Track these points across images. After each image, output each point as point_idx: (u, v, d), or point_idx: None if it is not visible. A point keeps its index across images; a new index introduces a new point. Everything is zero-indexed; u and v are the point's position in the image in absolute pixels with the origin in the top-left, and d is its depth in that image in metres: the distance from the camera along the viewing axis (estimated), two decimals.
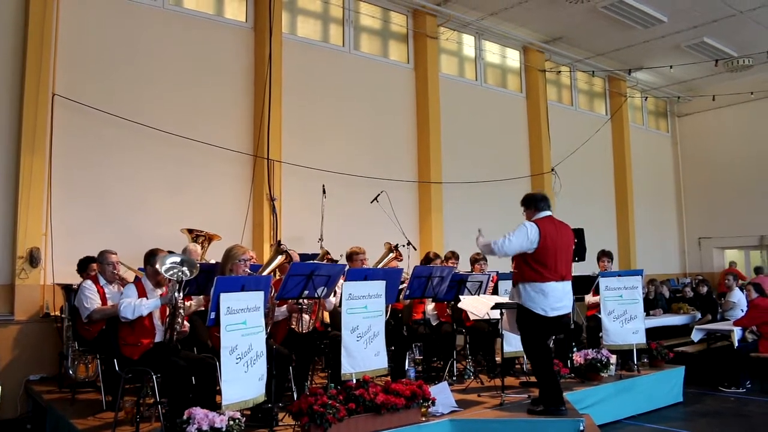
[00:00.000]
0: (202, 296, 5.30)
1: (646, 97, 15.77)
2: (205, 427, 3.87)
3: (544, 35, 12.58)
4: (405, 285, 6.39)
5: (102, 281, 5.55)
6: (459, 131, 11.41)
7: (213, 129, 8.58)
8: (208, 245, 7.40)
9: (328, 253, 7.38)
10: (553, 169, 12.75)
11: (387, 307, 5.54)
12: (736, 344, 8.20)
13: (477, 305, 6.23)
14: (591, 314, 7.97)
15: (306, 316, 5.55)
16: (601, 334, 7.26)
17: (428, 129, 10.75)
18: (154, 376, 4.63)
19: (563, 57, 13.25)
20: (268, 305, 4.88)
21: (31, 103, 7.09)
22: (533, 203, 5.46)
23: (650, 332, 7.64)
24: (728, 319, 9.11)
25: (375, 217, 9.04)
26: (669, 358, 7.46)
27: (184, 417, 3.95)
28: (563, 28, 12.10)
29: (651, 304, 9.67)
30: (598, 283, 7.37)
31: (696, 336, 8.67)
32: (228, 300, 4.25)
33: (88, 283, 5.49)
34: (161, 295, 4.83)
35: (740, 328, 8.35)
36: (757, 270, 13.20)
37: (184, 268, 4.60)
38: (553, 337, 6.93)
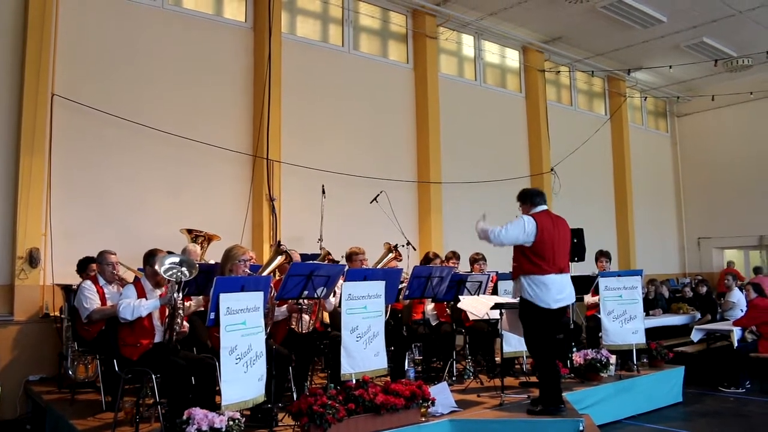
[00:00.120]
0: (201, 296, 5.30)
1: (646, 97, 15.78)
2: (204, 428, 3.87)
3: (544, 35, 12.58)
4: (404, 285, 6.38)
5: (101, 281, 5.55)
6: (458, 131, 11.41)
7: (212, 129, 8.58)
8: (208, 245, 7.39)
9: (329, 253, 7.37)
10: (552, 169, 12.76)
11: (386, 308, 5.54)
12: (736, 344, 8.20)
13: (476, 305, 6.23)
14: (590, 314, 7.97)
15: (306, 317, 5.55)
16: (600, 334, 7.26)
17: (428, 129, 10.75)
18: (153, 377, 4.63)
19: (562, 57, 13.25)
20: (268, 305, 4.88)
21: (30, 103, 7.09)
22: (529, 198, 5.47)
23: (650, 332, 7.63)
24: (728, 319, 9.11)
25: (374, 217, 9.04)
26: (668, 358, 7.46)
27: (184, 417, 3.95)
28: (562, 28, 12.11)
29: (651, 304, 9.68)
30: (597, 283, 7.37)
31: (695, 336, 8.67)
32: (227, 300, 4.25)
33: (88, 283, 5.49)
34: (160, 295, 4.83)
35: (740, 328, 8.35)
36: (757, 270, 13.20)
37: (183, 269, 4.60)
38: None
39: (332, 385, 4.96)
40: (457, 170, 11.15)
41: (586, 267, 9.29)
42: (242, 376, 4.27)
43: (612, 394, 6.47)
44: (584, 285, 7.76)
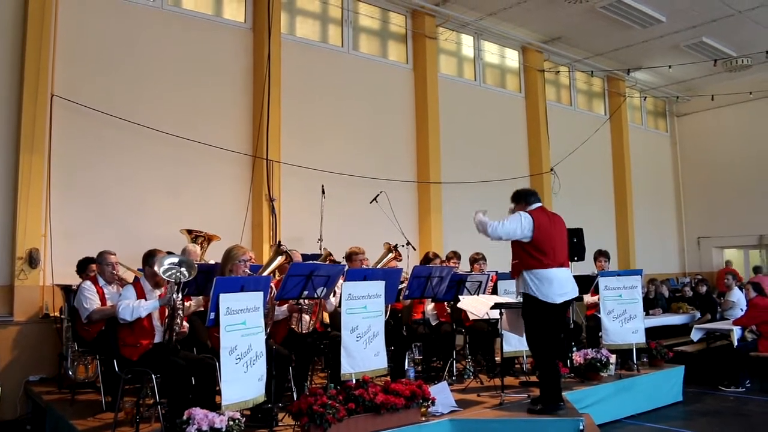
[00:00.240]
0: (201, 297, 5.29)
1: (645, 97, 15.78)
2: (204, 428, 3.87)
3: (543, 35, 12.59)
4: (404, 285, 6.38)
5: (101, 282, 5.55)
6: (458, 131, 11.42)
7: (212, 129, 8.58)
8: (208, 246, 7.40)
9: (331, 254, 7.37)
10: (552, 169, 12.76)
11: (386, 307, 5.54)
12: (736, 343, 8.20)
13: (476, 305, 6.23)
14: (590, 314, 7.98)
15: (306, 317, 5.55)
16: (600, 334, 7.25)
17: (427, 129, 10.75)
18: (153, 377, 4.63)
19: (562, 57, 13.26)
20: (268, 306, 4.88)
21: (30, 104, 7.09)
22: (523, 197, 5.50)
23: (650, 332, 7.63)
24: (728, 319, 9.11)
25: (374, 217, 9.04)
26: (668, 358, 7.46)
27: (184, 417, 3.94)
28: (562, 28, 12.11)
29: (651, 304, 9.68)
30: (597, 282, 7.37)
31: (695, 335, 8.67)
32: (227, 300, 4.25)
33: (88, 283, 5.49)
34: (160, 296, 4.83)
35: (740, 327, 8.36)
36: (756, 269, 13.20)
37: (183, 269, 4.59)
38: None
39: (332, 384, 4.96)
40: (457, 170, 11.15)
41: (585, 267, 9.29)
42: (242, 376, 4.26)
43: (612, 394, 6.47)
44: (584, 284, 7.75)
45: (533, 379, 6.30)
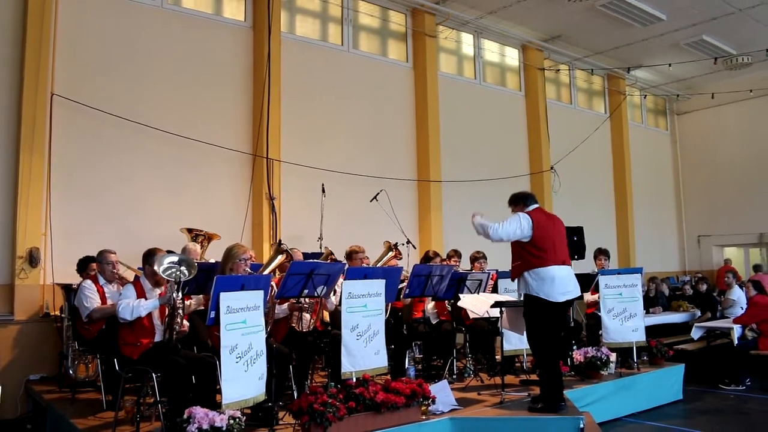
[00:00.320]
0: (201, 295, 5.29)
1: (645, 95, 15.78)
2: (205, 426, 3.87)
3: (543, 33, 12.58)
4: (405, 285, 6.38)
5: (101, 281, 5.55)
6: (458, 130, 11.41)
7: (212, 128, 8.58)
8: (208, 244, 7.40)
9: (332, 253, 7.37)
10: (552, 168, 12.76)
11: (387, 306, 5.54)
12: (736, 342, 8.21)
13: (477, 303, 6.23)
14: (590, 312, 7.98)
15: (307, 315, 5.55)
16: (600, 332, 7.25)
17: (427, 128, 10.75)
18: (154, 376, 4.63)
19: (562, 55, 13.25)
20: (268, 305, 4.88)
21: (30, 103, 7.09)
22: (521, 200, 5.55)
23: (650, 330, 7.63)
24: (728, 317, 9.11)
25: (374, 215, 9.04)
26: (669, 356, 7.47)
27: (185, 416, 3.94)
28: (562, 26, 12.11)
29: (651, 302, 9.68)
30: (597, 281, 7.37)
31: (696, 334, 8.67)
32: (228, 299, 4.25)
33: (88, 282, 5.49)
34: (160, 294, 4.83)
35: (740, 325, 8.36)
36: (756, 268, 13.20)
37: (183, 268, 4.59)
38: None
39: (333, 383, 4.96)
40: (457, 169, 11.15)
41: (586, 265, 9.29)
42: (243, 375, 4.26)
43: (612, 392, 6.48)
44: (584, 283, 7.75)
45: (533, 377, 6.30)
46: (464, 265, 8.19)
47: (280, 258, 5.71)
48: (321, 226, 8.54)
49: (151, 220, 7.86)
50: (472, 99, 11.94)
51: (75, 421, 5.02)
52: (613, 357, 6.72)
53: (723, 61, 13.41)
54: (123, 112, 7.78)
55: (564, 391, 5.43)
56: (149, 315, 4.72)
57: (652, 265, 13.99)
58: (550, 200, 12.45)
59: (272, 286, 5.06)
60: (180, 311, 4.64)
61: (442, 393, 5.22)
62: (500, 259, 7.35)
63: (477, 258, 7.76)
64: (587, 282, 7.77)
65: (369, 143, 10.26)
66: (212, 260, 6.49)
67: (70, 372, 6.18)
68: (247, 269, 5.16)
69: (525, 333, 5.65)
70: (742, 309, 8.95)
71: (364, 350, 5.05)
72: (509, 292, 6.84)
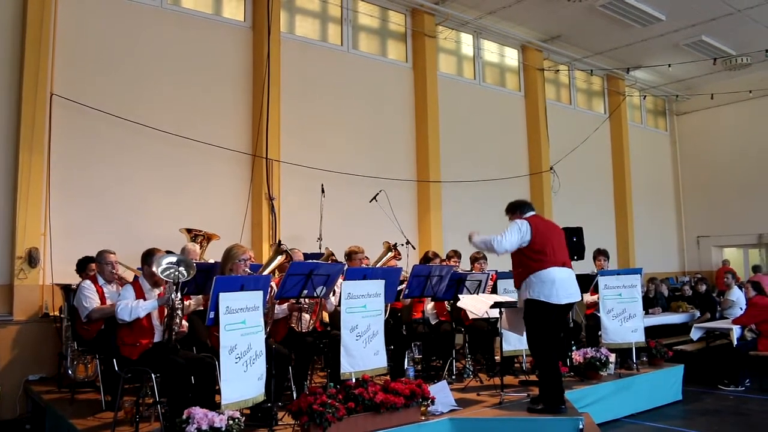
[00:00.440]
0: (201, 296, 5.29)
1: (645, 96, 15.78)
2: (204, 427, 3.87)
3: (543, 34, 12.59)
4: (404, 287, 6.37)
5: (101, 281, 5.55)
6: (457, 130, 11.41)
7: (211, 128, 8.57)
8: (207, 245, 7.39)
9: (333, 254, 7.36)
10: (551, 168, 12.76)
11: (386, 306, 5.54)
12: (735, 342, 8.20)
13: (476, 304, 6.23)
14: (590, 313, 7.98)
15: (306, 316, 5.55)
16: (600, 333, 7.25)
17: (427, 128, 10.75)
18: (153, 376, 4.63)
19: (562, 56, 13.26)
20: (267, 305, 4.88)
21: (29, 103, 7.08)
22: (518, 208, 5.62)
23: (649, 331, 7.63)
24: (727, 318, 9.11)
25: (374, 216, 9.04)
26: (668, 357, 7.46)
27: (184, 417, 3.94)
28: (561, 26, 12.11)
29: (651, 303, 9.68)
30: (596, 281, 7.37)
31: (695, 334, 8.67)
32: (227, 299, 4.25)
33: (87, 283, 5.49)
34: (159, 295, 4.83)
35: (739, 326, 8.36)
36: (756, 268, 13.20)
37: (181, 269, 4.58)
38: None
39: (332, 384, 4.95)
40: (457, 169, 11.15)
41: (585, 266, 9.28)
42: (242, 375, 4.26)
43: (611, 393, 6.48)
44: (584, 283, 7.75)
45: (533, 378, 6.30)
46: (464, 265, 8.19)
47: (279, 258, 5.71)
48: (320, 226, 8.54)
49: (150, 220, 7.86)
50: (472, 99, 11.94)
51: (74, 422, 5.01)
52: (612, 358, 6.72)
53: (722, 62, 13.43)
54: (122, 112, 7.78)
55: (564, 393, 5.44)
56: (148, 315, 4.72)
57: (651, 266, 13.99)
58: (549, 201, 12.45)
59: (272, 287, 5.06)
60: (179, 312, 4.64)
61: (442, 393, 5.22)
62: (500, 260, 7.33)
63: (477, 259, 7.77)
64: (587, 283, 7.77)
65: (368, 143, 10.26)
66: (212, 260, 6.48)
67: (70, 372, 6.17)
68: (247, 270, 5.16)
69: (524, 334, 5.65)
70: (742, 310, 8.95)
71: (363, 351, 5.05)
72: (509, 292, 6.84)
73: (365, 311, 5.13)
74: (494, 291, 7.11)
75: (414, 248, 8.98)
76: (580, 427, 4.95)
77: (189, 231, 7.32)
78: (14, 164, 7.02)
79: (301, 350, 5.48)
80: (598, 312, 7.28)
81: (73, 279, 6.19)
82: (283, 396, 5.29)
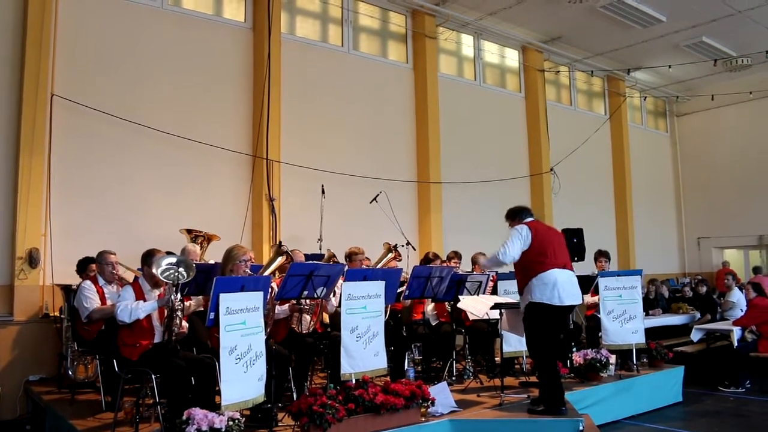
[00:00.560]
0: (201, 296, 5.29)
1: (645, 97, 15.78)
2: (204, 428, 3.87)
3: (543, 35, 12.59)
4: (404, 289, 6.36)
5: (101, 282, 5.55)
6: (458, 131, 11.41)
7: (212, 129, 8.58)
8: (207, 245, 7.39)
9: (334, 255, 7.36)
10: (552, 169, 12.76)
11: (386, 308, 5.53)
12: (736, 344, 8.20)
13: (476, 305, 6.22)
14: (590, 314, 7.97)
15: (307, 317, 5.55)
16: (600, 334, 7.25)
17: (427, 129, 10.75)
18: (153, 377, 4.63)
19: (562, 57, 13.26)
20: (268, 306, 4.88)
21: (30, 104, 7.08)
22: (517, 215, 5.68)
23: (649, 332, 7.63)
24: (728, 319, 9.11)
25: (374, 217, 9.04)
26: (668, 358, 7.45)
27: (184, 417, 3.94)
28: (562, 27, 12.11)
29: (651, 304, 9.68)
30: (597, 283, 7.37)
31: (695, 336, 8.67)
32: (227, 300, 4.25)
33: (88, 283, 5.49)
34: (159, 296, 4.82)
35: (740, 327, 8.35)
36: (756, 270, 13.19)
37: (181, 269, 4.57)
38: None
39: (332, 385, 4.96)
40: (457, 170, 11.15)
41: (586, 267, 9.28)
42: (242, 376, 4.26)
43: (612, 394, 6.47)
44: (584, 285, 7.75)
45: (533, 379, 6.30)
46: (464, 266, 8.19)
47: (280, 259, 5.71)
48: (321, 227, 8.54)
49: (150, 220, 7.86)
50: (472, 100, 11.94)
51: (74, 422, 5.01)
52: (612, 359, 6.72)
53: (723, 63, 13.43)
54: (123, 113, 7.78)
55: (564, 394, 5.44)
56: (148, 316, 4.71)
57: (651, 267, 13.98)
58: (549, 202, 12.46)
59: (272, 288, 5.06)
60: (179, 313, 4.64)
61: (442, 395, 5.22)
62: None
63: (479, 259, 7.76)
64: (587, 284, 7.76)
65: (369, 144, 10.26)
66: (212, 261, 6.48)
67: (70, 373, 6.17)
68: (247, 270, 5.16)
69: (524, 337, 5.66)
70: (742, 311, 8.94)
71: (363, 352, 5.05)
72: (509, 294, 6.83)
73: (365, 312, 5.13)
74: (494, 292, 7.11)
75: (414, 249, 8.98)
76: (581, 428, 4.95)
77: (189, 232, 7.32)
78: (15, 165, 7.02)
79: (301, 351, 5.48)
80: (599, 313, 7.28)
81: (74, 279, 6.20)
82: (283, 397, 5.29)
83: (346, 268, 5.93)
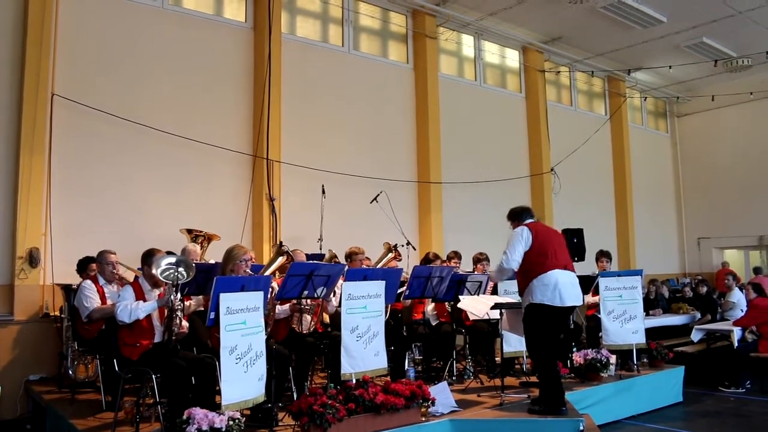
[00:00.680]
0: (201, 296, 5.29)
1: (646, 98, 15.78)
2: (204, 427, 3.87)
3: (544, 35, 12.59)
4: (404, 289, 6.36)
5: (101, 281, 5.55)
6: (458, 131, 11.41)
7: (212, 129, 8.58)
8: (208, 245, 7.40)
9: (335, 256, 7.35)
10: (552, 170, 12.76)
11: (386, 307, 5.53)
12: (736, 344, 8.20)
13: (477, 305, 6.22)
14: (590, 314, 7.97)
15: (307, 317, 5.55)
16: (600, 334, 7.25)
17: (427, 129, 10.75)
18: (153, 377, 4.62)
19: (562, 57, 13.26)
20: (269, 306, 4.88)
21: (30, 103, 7.08)
22: (517, 216, 5.69)
23: (650, 332, 7.63)
24: (728, 319, 9.11)
25: (374, 217, 9.04)
26: (669, 358, 7.46)
27: (184, 417, 3.94)
28: (562, 28, 12.11)
29: (651, 304, 9.68)
30: (597, 283, 7.37)
31: (696, 336, 8.67)
32: (227, 300, 4.25)
33: (88, 283, 5.49)
34: (159, 295, 4.82)
35: (740, 328, 8.36)
36: (756, 270, 13.19)
37: (180, 269, 4.57)
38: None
39: (332, 384, 4.96)
40: (457, 170, 11.15)
41: (586, 267, 9.28)
42: (242, 376, 4.26)
43: (612, 394, 6.48)
44: (584, 285, 7.74)
45: (533, 379, 6.30)
46: (464, 266, 8.18)
47: (280, 259, 5.71)
48: (321, 227, 8.54)
49: (151, 220, 7.86)
50: (473, 100, 11.94)
51: (74, 422, 5.01)
52: (613, 359, 6.72)
53: (723, 64, 13.43)
54: (123, 113, 7.78)
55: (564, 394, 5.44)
56: (148, 316, 4.71)
57: (652, 267, 13.98)
58: (550, 202, 12.45)
59: (273, 287, 5.06)
60: (179, 312, 4.63)
61: (442, 395, 5.22)
62: None
63: (480, 260, 7.75)
64: (587, 284, 7.76)
65: (369, 144, 10.26)
66: (212, 261, 6.48)
67: (70, 372, 6.17)
68: (248, 270, 5.15)
69: (524, 338, 5.66)
70: (742, 311, 8.94)
71: (363, 352, 5.05)
72: (509, 294, 6.84)
73: (366, 312, 5.13)
74: (495, 292, 7.11)
75: (414, 249, 8.99)
76: (581, 428, 4.96)
77: (189, 231, 7.32)
78: (15, 164, 7.02)
79: (301, 351, 5.48)
80: (599, 313, 7.28)
81: (74, 279, 6.19)
82: (283, 397, 5.29)
83: (347, 267, 5.93)
